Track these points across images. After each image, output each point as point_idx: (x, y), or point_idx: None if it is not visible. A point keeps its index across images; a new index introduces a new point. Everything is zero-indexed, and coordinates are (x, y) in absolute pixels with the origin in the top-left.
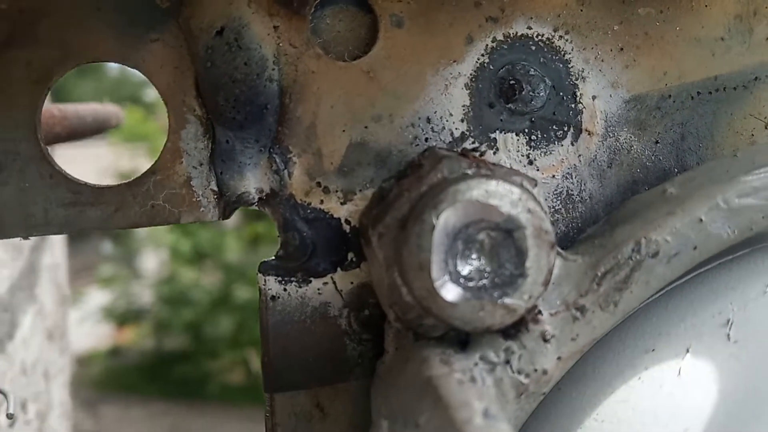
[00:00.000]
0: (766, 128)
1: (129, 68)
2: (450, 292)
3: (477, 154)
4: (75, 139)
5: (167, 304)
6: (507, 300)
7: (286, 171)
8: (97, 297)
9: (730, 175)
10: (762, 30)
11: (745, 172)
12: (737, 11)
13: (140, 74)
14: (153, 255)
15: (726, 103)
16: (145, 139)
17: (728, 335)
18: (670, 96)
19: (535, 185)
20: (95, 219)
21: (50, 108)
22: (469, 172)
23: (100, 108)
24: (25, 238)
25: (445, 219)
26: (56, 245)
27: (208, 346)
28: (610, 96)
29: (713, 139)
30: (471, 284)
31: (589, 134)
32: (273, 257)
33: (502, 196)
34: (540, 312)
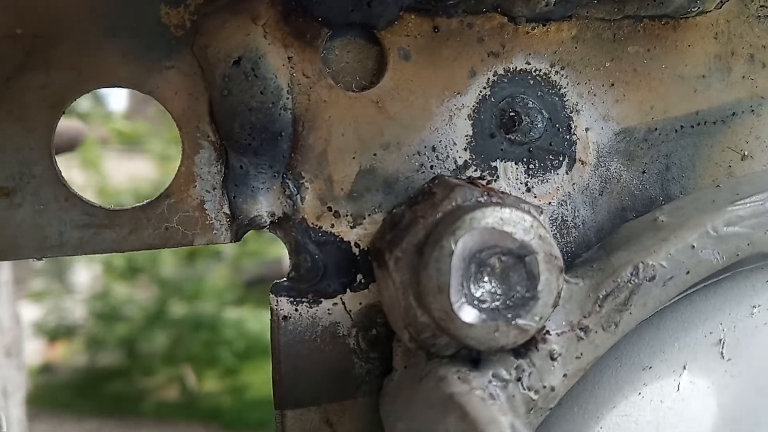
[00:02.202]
0: (742, 160)
1: None
2: (468, 314)
3: (484, 182)
4: None
5: (100, 319)
6: (520, 321)
7: (298, 196)
8: (29, 312)
9: (716, 205)
10: (739, 69)
11: (730, 202)
12: (717, 51)
13: None
14: (86, 269)
15: (706, 136)
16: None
17: (722, 353)
18: (656, 129)
19: (541, 212)
20: (110, 241)
21: None
22: (482, 200)
23: (71, 125)
24: (39, 259)
25: (463, 244)
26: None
27: (143, 362)
28: (602, 128)
29: (695, 170)
30: (484, 306)
31: (582, 164)
32: (284, 279)
33: (515, 224)
34: (548, 332)
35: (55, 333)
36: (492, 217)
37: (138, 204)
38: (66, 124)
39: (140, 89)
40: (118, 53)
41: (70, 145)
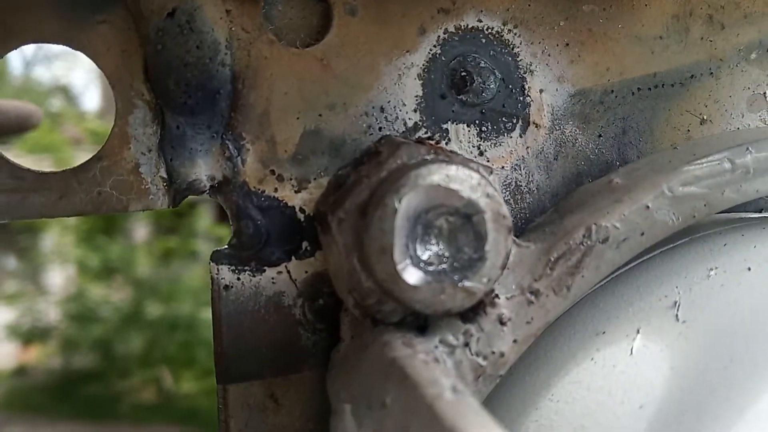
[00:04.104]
0: (701, 124)
1: (32, 76)
2: (412, 276)
3: (433, 142)
4: None
5: (75, 321)
6: (467, 283)
7: (239, 158)
8: (1, 314)
9: (672, 165)
10: (697, 30)
11: (686, 162)
12: (675, 11)
13: (45, 82)
14: (60, 270)
15: (664, 99)
16: (51, 150)
17: (677, 316)
18: (612, 91)
19: (491, 173)
20: (38, 206)
21: None
22: (428, 157)
23: (21, 104)
24: None
25: (407, 203)
26: None
27: (119, 364)
28: (557, 90)
29: (652, 134)
30: (431, 268)
31: (536, 127)
32: (226, 246)
33: (462, 181)
34: (497, 296)
35: (29, 336)
36: (438, 174)
37: (68, 167)
38: (16, 103)
39: (70, 45)
40: (47, 7)
41: (20, 125)
